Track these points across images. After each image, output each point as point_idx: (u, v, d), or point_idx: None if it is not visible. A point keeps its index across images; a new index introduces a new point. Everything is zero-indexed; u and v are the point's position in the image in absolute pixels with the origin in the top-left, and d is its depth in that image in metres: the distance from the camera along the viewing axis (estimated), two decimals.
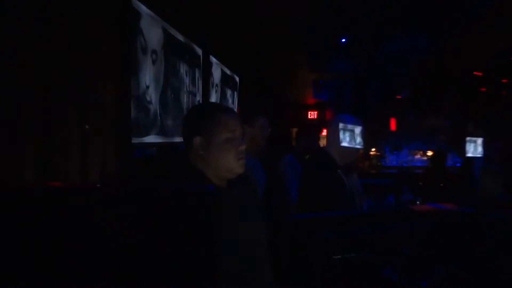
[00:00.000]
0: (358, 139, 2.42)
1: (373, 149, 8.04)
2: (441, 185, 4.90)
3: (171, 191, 0.76)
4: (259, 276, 1.48)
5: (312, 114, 8.20)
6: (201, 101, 3.81)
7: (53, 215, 0.73)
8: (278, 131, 5.79)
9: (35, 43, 1.66)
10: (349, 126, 2.42)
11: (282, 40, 4.98)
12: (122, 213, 0.73)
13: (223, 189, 1.50)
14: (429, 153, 8.10)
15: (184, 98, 3.39)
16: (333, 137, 2.40)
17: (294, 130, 8.89)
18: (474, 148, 3.65)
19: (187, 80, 3.44)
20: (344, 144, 2.36)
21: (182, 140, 1.53)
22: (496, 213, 1.41)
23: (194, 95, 3.66)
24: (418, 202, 3.85)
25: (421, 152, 8.16)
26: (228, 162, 1.46)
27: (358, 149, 2.42)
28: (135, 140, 2.47)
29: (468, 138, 3.65)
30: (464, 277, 1.20)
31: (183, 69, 3.35)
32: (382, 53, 6.24)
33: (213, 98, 4.30)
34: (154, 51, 2.77)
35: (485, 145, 3.60)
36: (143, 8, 2.57)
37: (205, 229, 0.74)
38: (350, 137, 2.41)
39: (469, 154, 3.64)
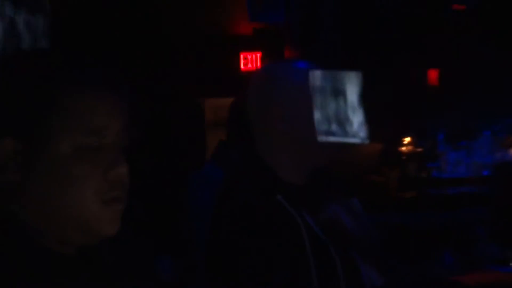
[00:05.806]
0: (334, 115, 0.96)
1: (407, 138, 3.16)
2: None
3: None
4: None
5: (249, 60, 3.13)
6: None
7: None
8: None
9: None
10: (305, 87, 0.96)
11: None
12: None
13: None
14: None
15: None
16: (272, 118, 1.00)
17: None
18: None
19: None
20: (303, 127, 0.97)
21: None
22: None
23: None
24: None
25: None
26: None
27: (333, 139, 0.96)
28: None
29: None
30: None
31: None
32: None
33: None
34: None
35: None
36: None
37: None
38: (312, 112, 0.94)
39: None
